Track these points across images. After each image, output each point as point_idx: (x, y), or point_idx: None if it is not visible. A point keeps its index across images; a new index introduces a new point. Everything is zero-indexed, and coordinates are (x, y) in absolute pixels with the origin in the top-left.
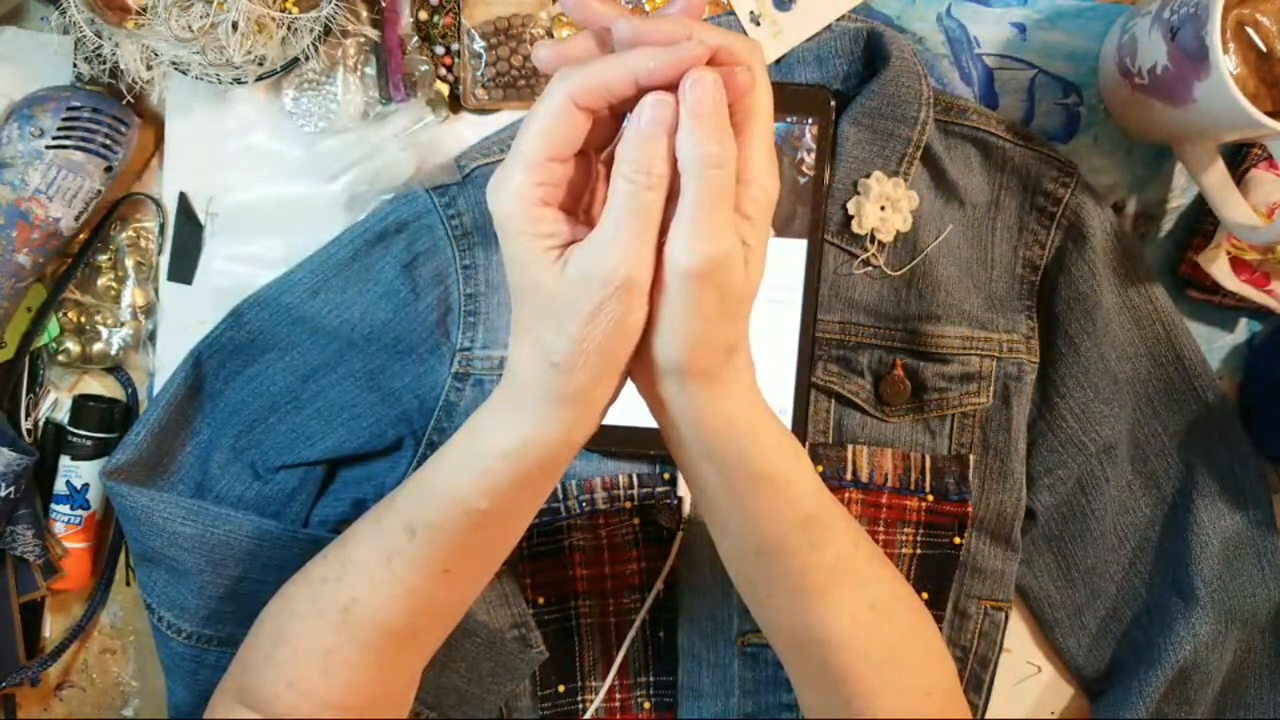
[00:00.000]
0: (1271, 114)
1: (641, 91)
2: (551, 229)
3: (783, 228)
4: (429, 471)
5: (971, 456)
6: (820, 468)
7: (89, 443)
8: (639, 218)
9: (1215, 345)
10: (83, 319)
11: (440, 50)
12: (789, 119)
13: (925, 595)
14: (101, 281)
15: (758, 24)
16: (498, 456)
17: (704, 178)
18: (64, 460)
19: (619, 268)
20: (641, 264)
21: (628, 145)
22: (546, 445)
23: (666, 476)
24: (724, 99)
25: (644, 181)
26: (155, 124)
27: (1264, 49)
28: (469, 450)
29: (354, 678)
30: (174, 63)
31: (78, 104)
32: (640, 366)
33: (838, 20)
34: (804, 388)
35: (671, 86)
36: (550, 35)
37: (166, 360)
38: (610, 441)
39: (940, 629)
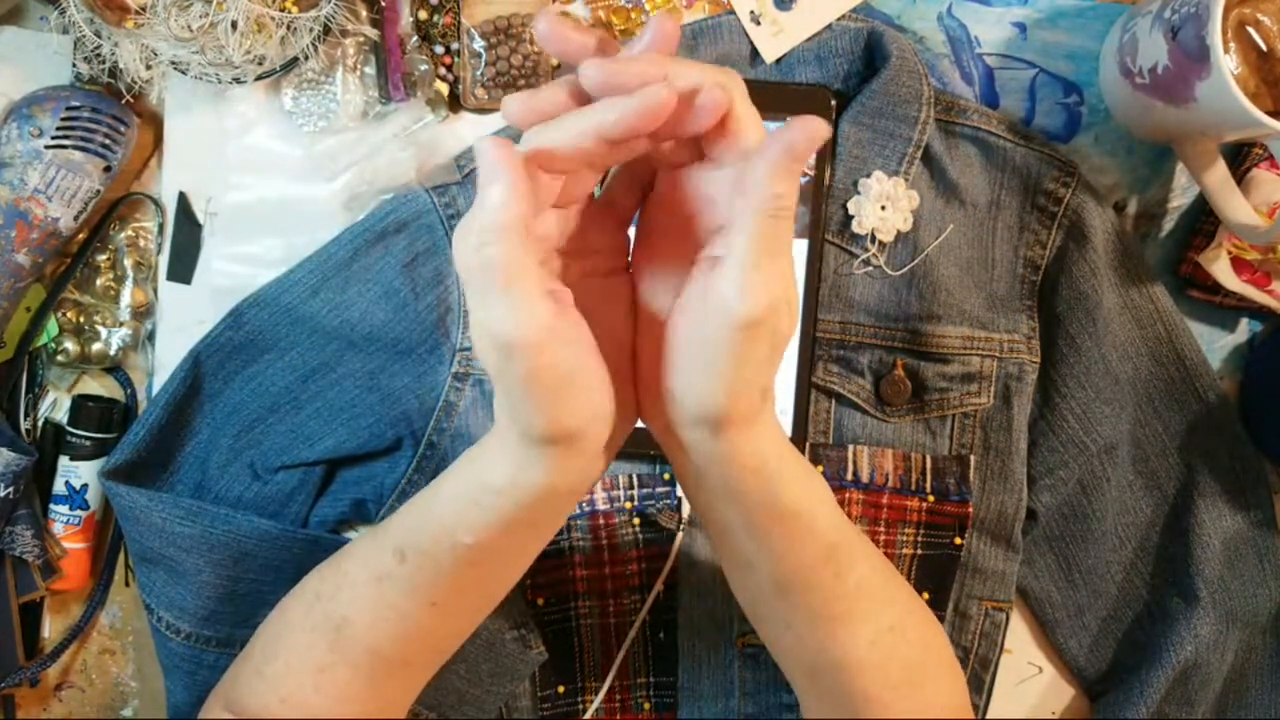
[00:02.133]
0: (1272, 113)
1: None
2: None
3: None
4: (426, 495)
5: (972, 457)
6: (821, 468)
7: (88, 443)
8: (503, 275)
9: (1216, 345)
10: (82, 319)
11: (440, 50)
12: (789, 119)
13: (926, 596)
14: (100, 281)
15: (758, 23)
16: (486, 491)
17: (769, 223)
18: (63, 460)
19: (503, 332)
20: (525, 324)
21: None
22: (533, 489)
23: (666, 477)
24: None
25: (484, 240)
26: (154, 124)
27: (1265, 48)
28: (463, 478)
29: (346, 695)
30: (173, 62)
31: (77, 104)
32: (657, 413)
33: (838, 20)
34: (804, 388)
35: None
36: None
37: (165, 360)
38: None
39: None
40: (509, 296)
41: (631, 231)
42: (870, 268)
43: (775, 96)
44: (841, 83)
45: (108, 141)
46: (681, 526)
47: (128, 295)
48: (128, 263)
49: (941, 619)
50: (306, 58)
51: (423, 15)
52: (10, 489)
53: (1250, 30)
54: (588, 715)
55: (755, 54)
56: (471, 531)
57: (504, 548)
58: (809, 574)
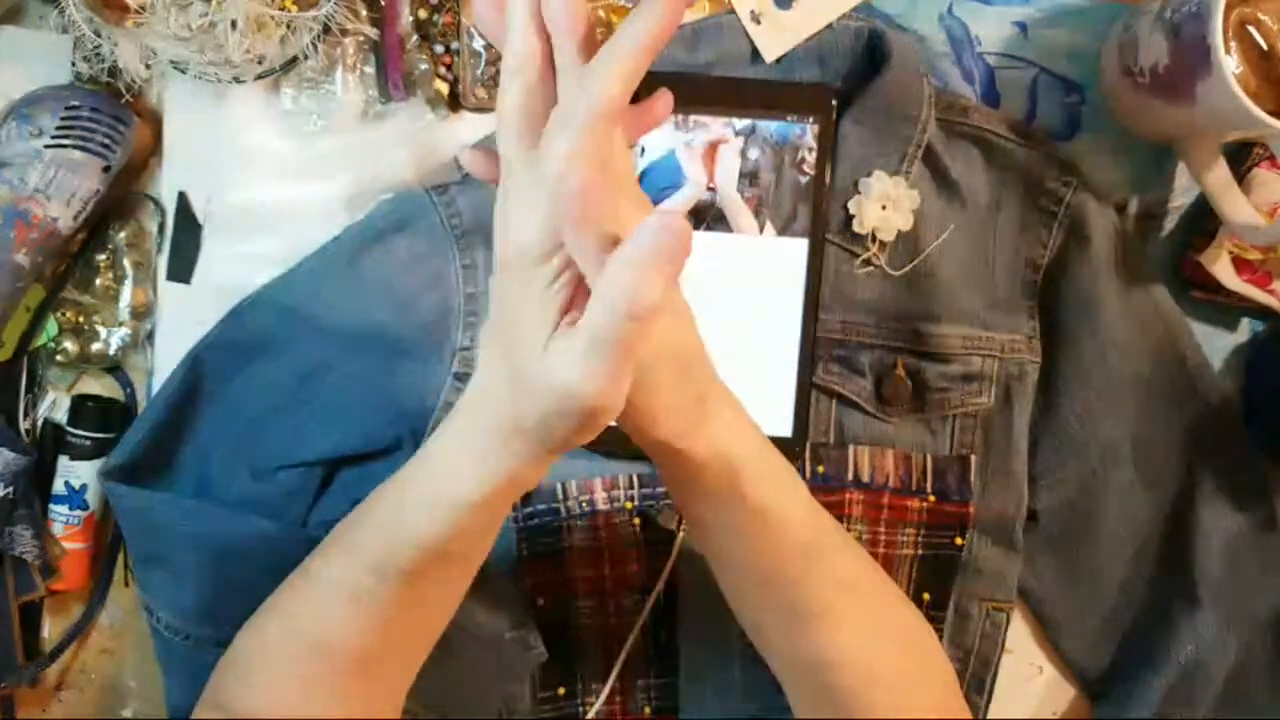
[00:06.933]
0: (1273, 113)
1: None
2: None
3: (784, 227)
4: (389, 513)
5: (973, 457)
6: (821, 468)
7: (88, 443)
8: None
9: (1217, 345)
10: (81, 319)
11: (440, 49)
12: (789, 118)
13: (927, 596)
14: (100, 281)
15: (758, 23)
16: (467, 508)
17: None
18: (62, 460)
19: (587, 393)
20: (612, 394)
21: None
22: (506, 488)
23: None
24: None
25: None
26: (154, 123)
27: (1266, 48)
28: (435, 502)
29: (335, 696)
30: (173, 61)
31: (76, 103)
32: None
33: (839, 19)
34: (805, 388)
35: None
36: None
37: (165, 360)
38: (610, 441)
39: (941, 630)
40: (605, 363)
41: None
42: (871, 267)
43: (776, 96)
44: (842, 82)
45: (107, 141)
46: (682, 526)
47: (127, 295)
48: (127, 263)
49: (942, 619)
50: (306, 57)
51: (423, 14)
52: (10, 489)
53: (1251, 29)
54: (588, 717)
55: (755, 53)
56: (456, 540)
57: (483, 534)
58: (785, 570)
